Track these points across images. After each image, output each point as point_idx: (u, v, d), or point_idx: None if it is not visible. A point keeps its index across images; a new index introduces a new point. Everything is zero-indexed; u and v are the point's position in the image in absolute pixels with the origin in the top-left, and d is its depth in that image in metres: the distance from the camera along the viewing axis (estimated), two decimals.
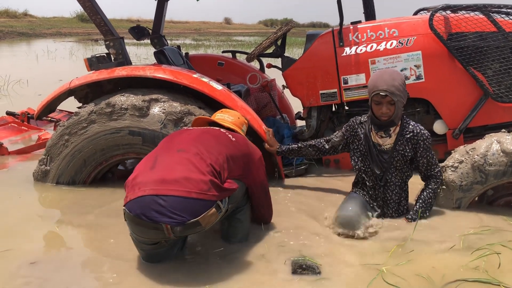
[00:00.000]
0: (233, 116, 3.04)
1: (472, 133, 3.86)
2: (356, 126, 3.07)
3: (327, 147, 3.26)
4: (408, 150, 2.91)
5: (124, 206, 2.36)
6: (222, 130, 2.79)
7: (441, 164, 3.17)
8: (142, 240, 2.41)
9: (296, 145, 3.38)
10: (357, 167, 3.07)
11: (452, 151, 3.25)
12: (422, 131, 2.91)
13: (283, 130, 4.30)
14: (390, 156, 2.92)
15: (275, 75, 4.98)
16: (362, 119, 3.07)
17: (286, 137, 4.23)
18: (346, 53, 3.86)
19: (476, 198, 3.16)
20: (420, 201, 2.95)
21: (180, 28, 40.77)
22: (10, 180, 3.87)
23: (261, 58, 4.92)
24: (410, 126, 2.93)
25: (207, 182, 2.35)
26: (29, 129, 5.35)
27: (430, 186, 2.97)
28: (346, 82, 3.90)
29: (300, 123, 5.06)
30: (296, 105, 4.97)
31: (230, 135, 2.74)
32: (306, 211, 3.21)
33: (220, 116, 3.02)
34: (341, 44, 3.86)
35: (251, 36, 35.13)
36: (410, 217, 2.93)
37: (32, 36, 27.49)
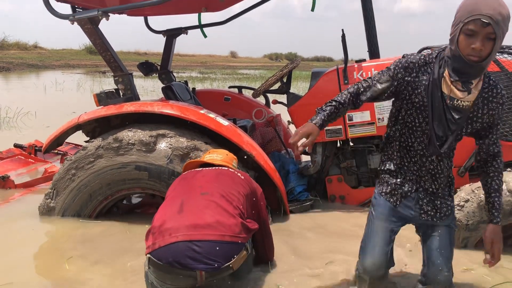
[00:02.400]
0: (221, 154, 3.05)
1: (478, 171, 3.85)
2: (416, 68, 2.12)
3: (364, 98, 2.25)
4: (485, 115, 2.11)
5: (149, 254, 2.27)
6: (230, 169, 2.81)
7: None
8: (168, 287, 2.31)
9: (332, 108, 2.25)
10: (398, 132, 2.22)
11: (458, 190, 3.24)
12: (502, 91, 2.10)
13: (288, 165, 4.32)
14: (463, 118, 2.08)
15: (281, 111, 5.04)
16: (427, 58, 2.13)
17: (291, 173, 4.24)
18: None
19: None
20: (498, 194, 2.19)
21: (187, 61, 41.40)
22: (15, 214, 3.87)
23: (267, 94, 5.00)
24: (491, 82, 2.10)
25: (239, 225, 2.35)
26: (36, 161, 5.39)
27: (498, 170, 2.21)
28: (351, 119, 3.94)
29: (305, 158, 5.08)
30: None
31: (238, 174, 2.77)
32: (309, 249, 3.19)
33: (209, 157, 3.03)
34: (345, 82, 3.92)
35: (257, 69, 35.57)
36: (497, 220, 2.18)
37: (41, 68, 27.94)
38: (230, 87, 5.82)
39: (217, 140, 3.64)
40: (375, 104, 3.85)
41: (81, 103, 9.32)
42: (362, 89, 2.23)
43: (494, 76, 3.64)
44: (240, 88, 5.66)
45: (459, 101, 2.04)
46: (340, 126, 3.98)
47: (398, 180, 2.26)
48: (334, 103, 2.23)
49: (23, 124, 8.15)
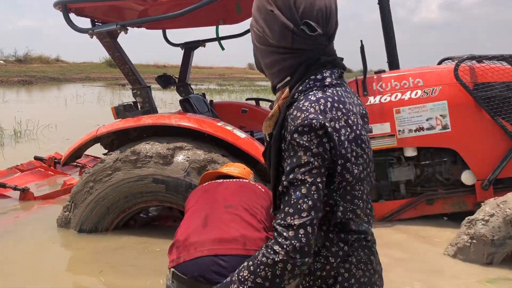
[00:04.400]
0: (238, 168, 3.05)
1: (503, 184, 3.75)
2: None
3: None
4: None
5: (173, 267, 2.24)
6: (251, 182, 2.80)
7: (471, 217, 3.07)
8: None
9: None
10: None
11: (482, 204, 3.15)
12: (296, 112, 1.19)
13: None
14: (267, 150, 1.35)
15: None
16: None
17: None
18: (370, 102, 3.86)
19: (510, 253, 3.03)
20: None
21: (205, 74, 41.71)
22: (35, 227, 3.89)
23: None
24: (296, 100, 1.24)
25: (263, 239, 2.32)
26: (55, 174, 5.45)
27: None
28: (370, 131, 3.87)
29: None
30: None
31: (259, 186, 2.76)
32: None
33: (227, 169, 3.05)
34: (365, 93, 3.86)
35: None
36: None
37: (63, 81, 28.47)
38: (247, 99, 5.82)
39: (234, 152, 3.62)
40: (395, 115, 3.78)
41: (101, 115, 9.42)
42: None
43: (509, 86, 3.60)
44: (257, 100, 5.64)
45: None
46: None
47: None
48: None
49: (43, 137, 8.26)
